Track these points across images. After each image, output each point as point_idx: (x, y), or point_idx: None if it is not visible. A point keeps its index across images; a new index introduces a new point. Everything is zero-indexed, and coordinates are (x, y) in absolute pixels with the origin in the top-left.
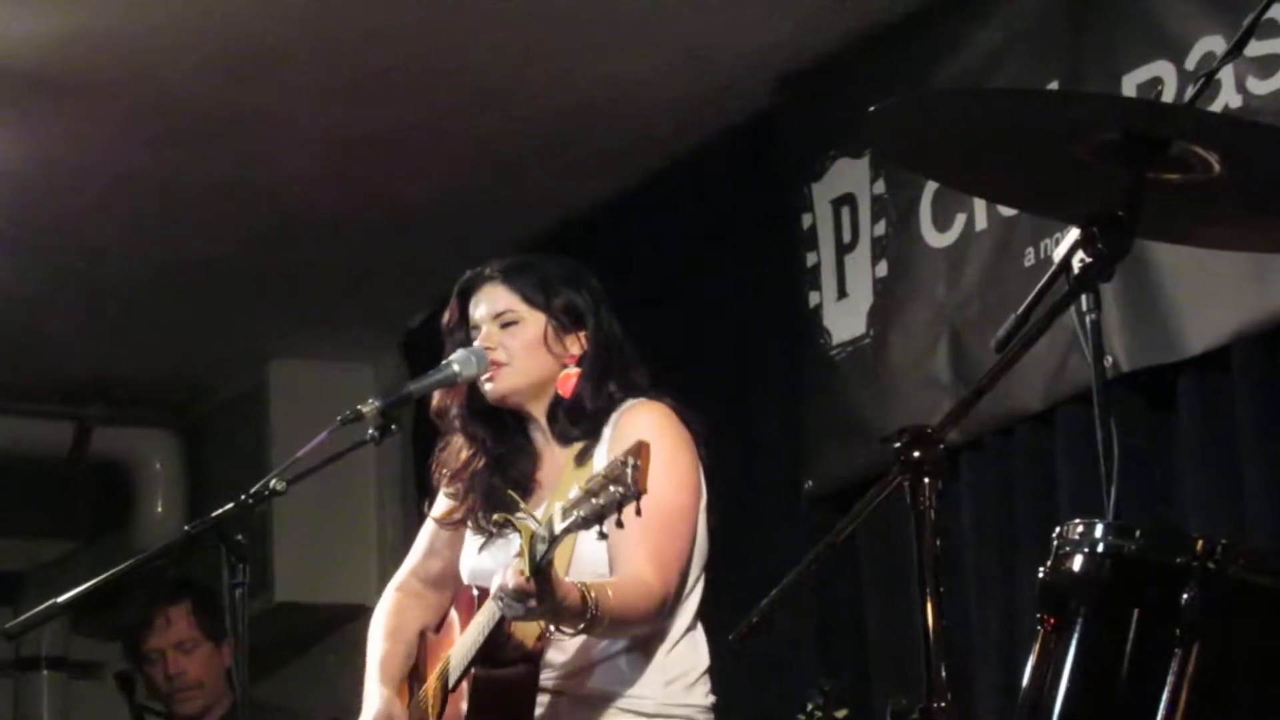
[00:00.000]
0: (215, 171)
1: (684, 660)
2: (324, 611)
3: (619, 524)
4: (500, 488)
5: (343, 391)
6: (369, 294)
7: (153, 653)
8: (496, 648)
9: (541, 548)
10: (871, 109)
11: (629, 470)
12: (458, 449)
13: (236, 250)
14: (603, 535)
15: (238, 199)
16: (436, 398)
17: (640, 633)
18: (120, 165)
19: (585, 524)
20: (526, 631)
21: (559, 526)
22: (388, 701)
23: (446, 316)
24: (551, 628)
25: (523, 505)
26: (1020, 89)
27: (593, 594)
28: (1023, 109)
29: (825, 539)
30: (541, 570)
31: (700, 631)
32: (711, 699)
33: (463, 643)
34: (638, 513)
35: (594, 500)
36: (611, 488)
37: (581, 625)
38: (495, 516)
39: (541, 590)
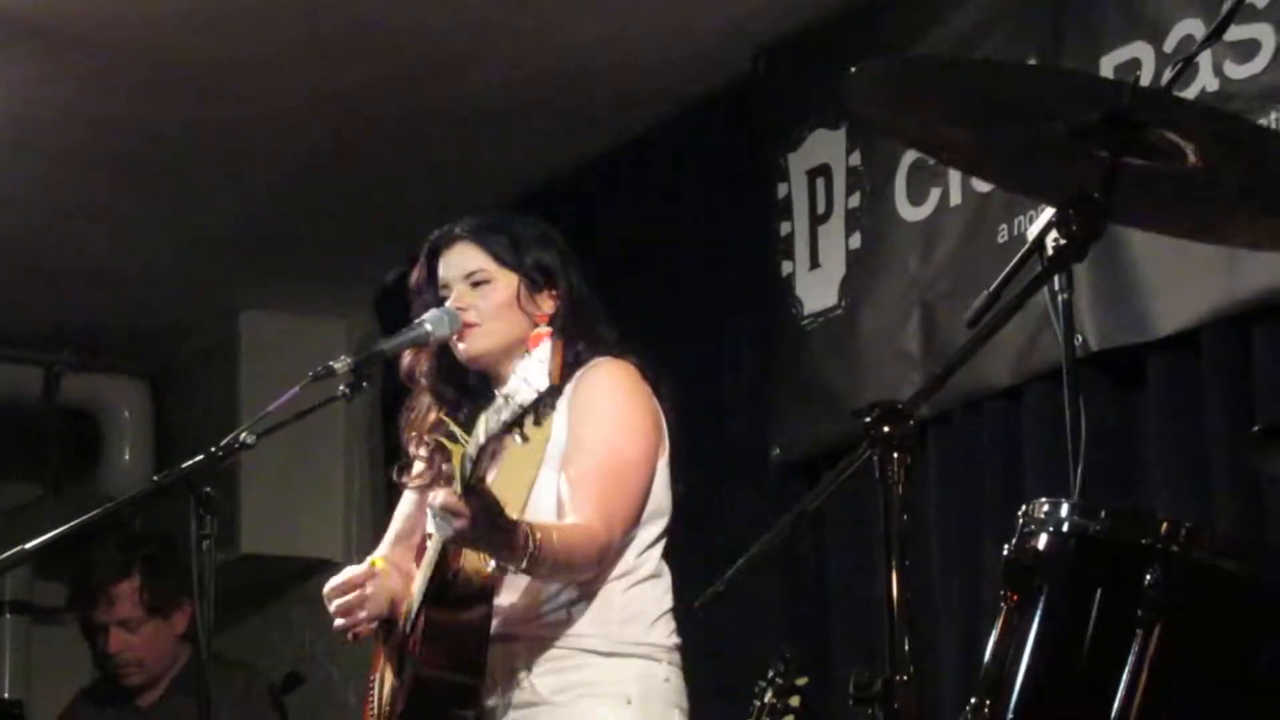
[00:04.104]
0: (193, 121)
1: (642, 600)
2: (289, 564)
3: (536, 422)
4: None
5: (313, 345)
6: (342, 249)
7: (97, 625)
8: (446, 584)
9: (470, 465)
10: (852, 68)
11: (530, 368)
12: (425, 410)
13: (211, 200)
14: (524, 437)
15: (214, 149)
16: (406, 358)
17: (580, 578)
18: (98, 112)
19: (506, 429)
20: (474, 565)
21: (481, 440)
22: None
23: (415, 275)
24: (493, 562)
25: (459, 434)
26: (1001, 61)
27: (537, 534)
28: (1003, 81)
29: (792, 511)
30: (472, 487)
31: (666, 577)
32: (675, 640)
33: (417, 583)
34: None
35: (504, 411)
36: (518, 395)
37: (524, 562)
38: (425, 437)
39: (473, 507)
